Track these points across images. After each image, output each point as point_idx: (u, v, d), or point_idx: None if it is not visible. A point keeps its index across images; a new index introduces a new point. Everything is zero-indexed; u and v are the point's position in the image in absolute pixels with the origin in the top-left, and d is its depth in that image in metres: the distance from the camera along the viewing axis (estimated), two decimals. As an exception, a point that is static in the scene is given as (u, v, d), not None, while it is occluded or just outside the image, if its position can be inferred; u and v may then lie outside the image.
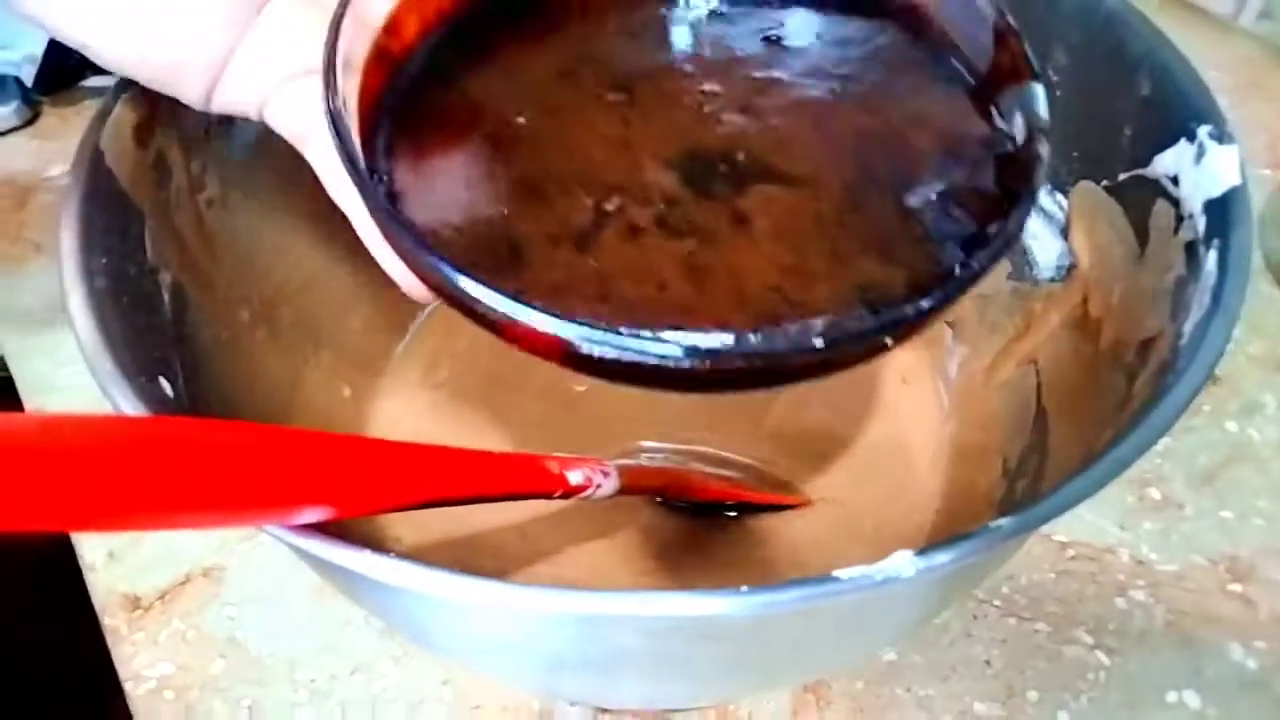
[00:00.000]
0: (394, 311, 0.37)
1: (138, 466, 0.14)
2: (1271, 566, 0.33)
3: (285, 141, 0.31)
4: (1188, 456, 0.35)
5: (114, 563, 0.34)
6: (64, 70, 0.51)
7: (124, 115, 0.25)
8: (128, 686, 0.31)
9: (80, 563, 0.34)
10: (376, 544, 0.31)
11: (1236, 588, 0.32)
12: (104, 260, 0.23)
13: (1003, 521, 0.16)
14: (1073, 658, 0.31)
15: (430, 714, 0.30)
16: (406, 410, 0.35)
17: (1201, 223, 0.22)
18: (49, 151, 0.49)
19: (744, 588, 0.15)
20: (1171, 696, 0.30)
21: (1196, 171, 0.23)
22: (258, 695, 0.31)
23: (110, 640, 0.32)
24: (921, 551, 0.16)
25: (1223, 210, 0.22)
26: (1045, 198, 0.30)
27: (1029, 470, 0.27)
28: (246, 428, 0.17)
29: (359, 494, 0.19)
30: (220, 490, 0.16)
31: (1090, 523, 0.34)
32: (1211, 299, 0.20)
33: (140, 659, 0.31)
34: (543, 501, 0.32)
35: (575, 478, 0.25)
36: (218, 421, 0.17)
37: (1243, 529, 0.34)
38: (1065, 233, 0.29)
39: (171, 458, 0.15)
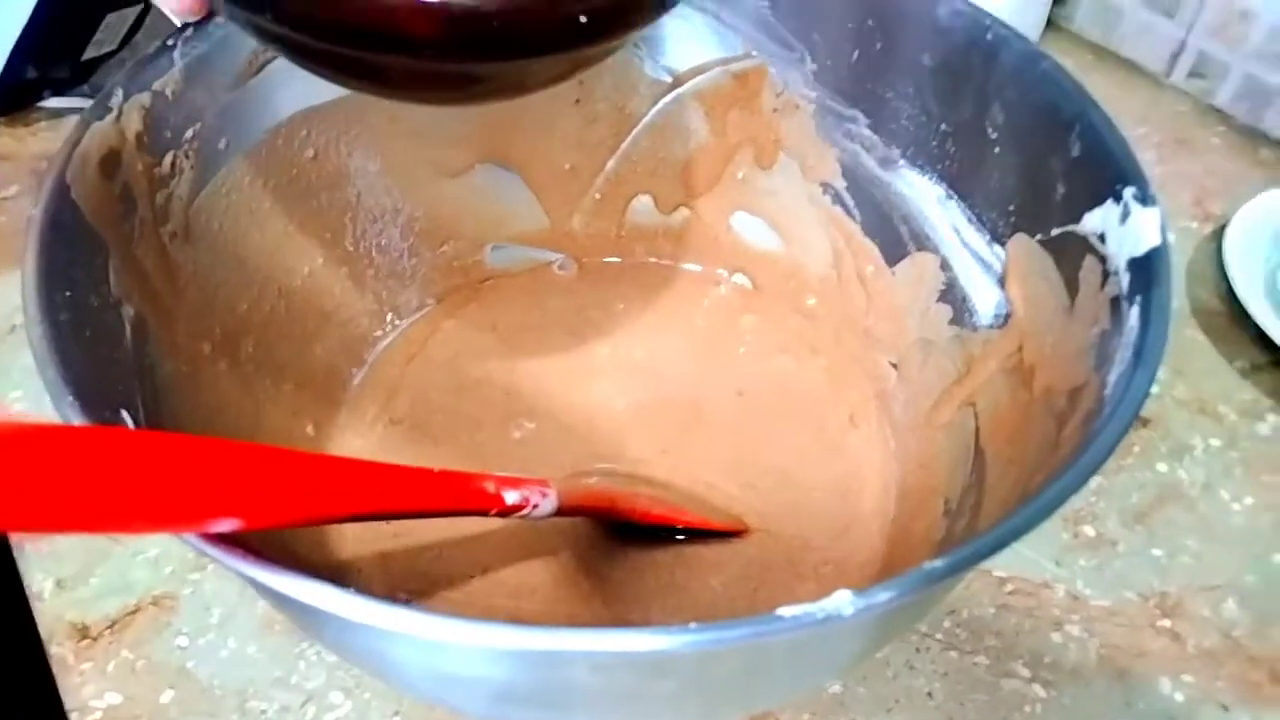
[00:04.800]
0: (352, 342, 0.37)
1: (38, 470, 0.14)
2: (1199, 603, 0.34)
3: (249, 175, 0.32)
4: (1120, 495, 0.37)
5: (62, 591, 0.33)
6: (20, 90, 0.51)
7: (91, 147, 0.26)
8: (73, 718, 0.31)
9: (27, 591, 0.34)
10: (335, 571, 0.31)
11: (1166, 623, 0.33)
12: (67, 293, 0.23)
13: (937, 563, 0.17)
14: (1011, 690, 0.32)
15: (381, 745, 0.30)
16: (365, 445, 0.35)
17: (1125, 279, 0.23)
18: (3, 171, 0.49)
19: (692, 625, 0.16)
20: (1104, 728, 0.31)
21: (1122, 231, 0.24)
22: (207, 727, 0.31)
23: (56, 670, 0.32)
24: (860, 591, 0.17)
25: (1145, 269, 0.23)
26: (985, 248, 0.31)
27: (967, 510, 0.28)
28: (153, 436, 0.17)
29: (275, 505, 0.19)
30: (124, 497, 0.16)
31: (1028, 559, 0.35)
32: (1133, 353, 0.21)
33: (88, 689, 0.31)
34: (500, 528, 0.32)
35: (511, 497, 0.25)
36: (122, 429, 0.17)
37: (1172, 566, 0.35)
38: (1003, 283, 0.30)
39: (73, 462, 0.15)
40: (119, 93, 0.27)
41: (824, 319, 0.39)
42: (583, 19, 0.23)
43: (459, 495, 0.24)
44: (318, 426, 0.35)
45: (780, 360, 0.38)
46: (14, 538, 0.35)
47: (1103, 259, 0.25)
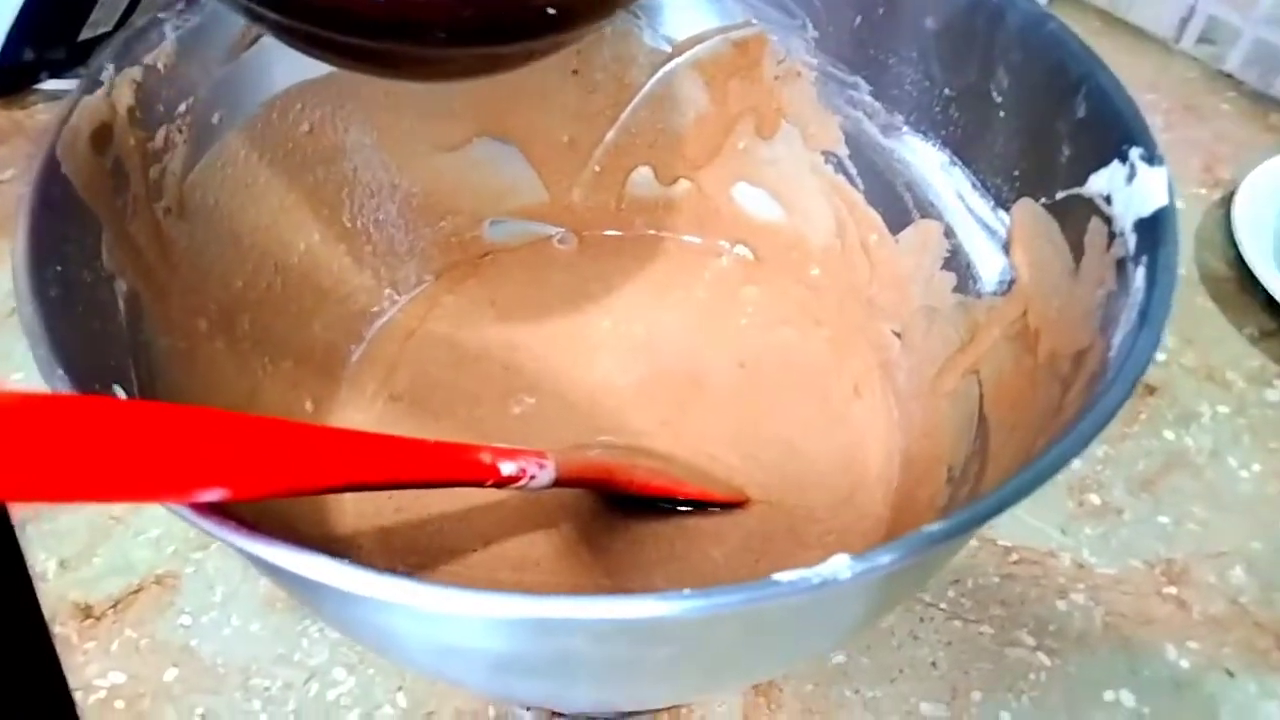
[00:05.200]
0: (351, 318, 0.37)
1: (18, 437, 0.14)
2: (1205, 570, 0.34)
3: (244, 149, 0.32)
4: (1127, 463, 0.37)
5: (65, 571, 0.34)
6: (17, 72, 0.50)
7: (82, 123, 0.25)
8: (77, 696, 0.31)
9: (30, 572, 0.34)
10: (334, 547, 0.31)
11: (1171, 590, 0.33)
12: (59, 268, 0.23)
13: (935, 526, 0.17)
14: (1015, 659, 0.32)
15: (385, 720, 0.30)
16: (365, 421, 0.35)
17: (1132, 240, 0.23)
18: (0, 154, 0.48)
19: (687, 590, 0.16)
20: (1109, 695, 0.31)
21: (1128, 192, 0.24)
22: (211, 703, 0.31)
23: (60, 649, 0.32)
24: (858, 555, 0.17)
25: (1151, 229, 0.23)
26: (989, 214, 0.31)
27: (970, 476, 0.28)
28: (136, 405, 0.17)
29: (264, 474, 0.19)
30: (108, 465, 0.16)
31: (1033, 527, 0.35)
32: (1139, 314, 0.21)
33: (91, 668, 0.31)
34: (501, 502, 0.32)
35: (508, 468, 0.25)
36: (103, 398, 0.16)
37: (1178, 534, 0.35)
38: (1007, 248, 0.30)
39: (54, 430, 0.15)
40: (109, 67, 0.26)
41: (827, 289, 0.39)
42: (551, 10, 0.22)
43: (454, 466, 0.24)
44: (317, 403, 0.35)
45: (783, 331, 0.38)
46: (13, 516, 0.35)
47: (1108, 220, 0.24)
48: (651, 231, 0.42)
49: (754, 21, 0.36)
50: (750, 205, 0.40)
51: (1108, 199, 0.25)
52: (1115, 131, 0.25)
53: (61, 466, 0.15)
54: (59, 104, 0.26)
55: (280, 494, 0.19)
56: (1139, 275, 0.22)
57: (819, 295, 0.39)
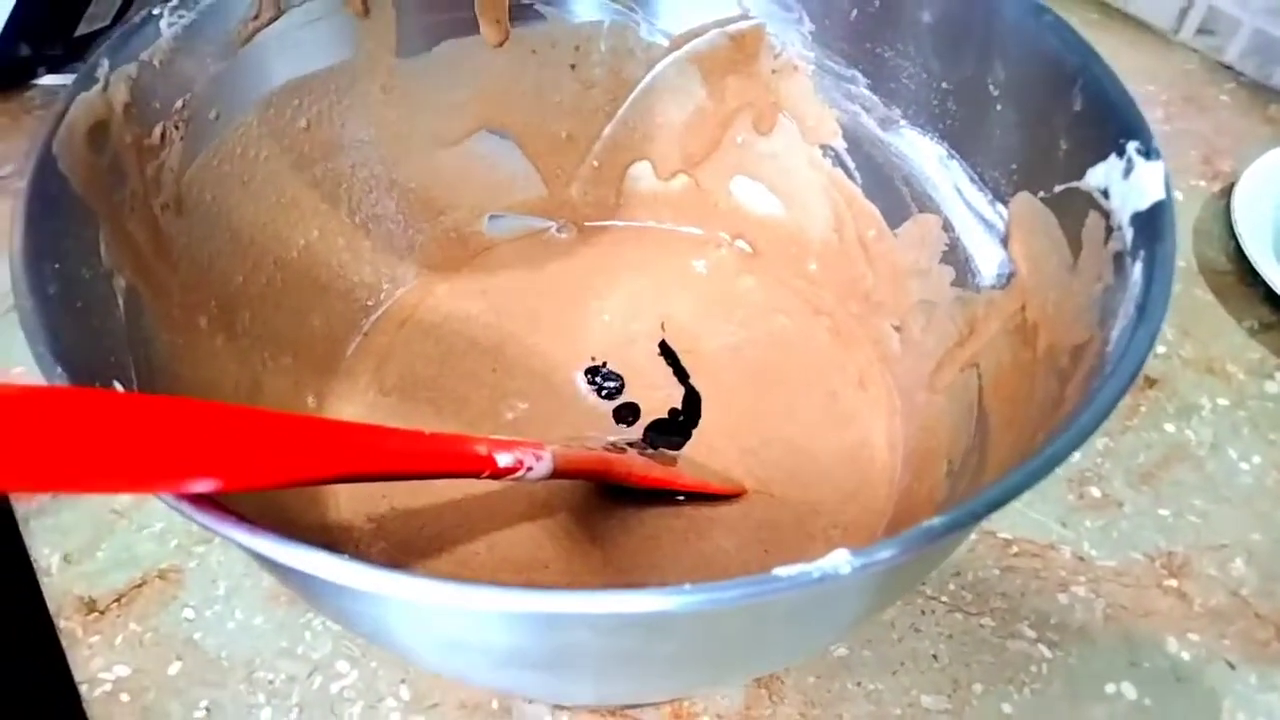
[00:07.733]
0: (351, 313, 0.37)
1: (12, 430, 0.14)
2: (1205, 562, 0.34)
3: (241, 145, 0.32)
4: (1127, 456, 0.37)
5: (69, 566, 0.34)
6: (14, 69, 0.50)
7: (78, 119, 0.25)
8: (83, 689, 0.31)
9: (35, 566, 0.34)
10: (334, 539, 0.31)
11: (1172, 583, 0.33)
12: (56, 265, 0.23)
13: (935, 521, 0.17)
14: (1016, 651, 0.32)
15: (388, 713, 0.30)
16: (356, 414, 0.35)
17: (1129, 234, 0.23)
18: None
19: (687, 585, 0.16)
20: (1110, 688, 0.31)
21: (1125, 186, 0.24)
22: (215, 696, 0.31)
23: (66, 643, 0.32)
24: (858, 550, 0.17)
25: (1149, 223, 0.23)
26: (987, 208, 0.31)
27: (969, 471, 0.28)
28: (126, 397, 0.17)
29: (255, 465, 0.18)
30: (97, 456, 0.16)
31: (1034, 520, 0.35)
32: (1136, 308, 0.21)
33: (96, 662, 0.31)
34: (503, 501, 0.32)
35: (504, 460, 0.25)
36: (98, 390, 0.16)
37: (1179, 526, 0.35)
38: (1006, 242, 0.30)
39: (50, 422, 0.15)
40: (104, 63, 0.26)
41: (825, 284, 0.38)
42: None
43: (450, 457, 0.24)
44: (319, 398, 0.35)
45: (783, 323, 0.38)
46: (16, 512, 0.35)
47: (1106, 214, 0.24)
48: (650, 224, 0.41)
49: (750, 14, 0.36)
50: (748, 200, 0.40)
51: (1105, 193, 0.25)
52: (1112, 125, 0.25)
53: (52, 457, 0.15)
54: (56, 99, 0.26)
55: (273, 485, 0.19)
56: (1136, 270, 0.22)
57: (818, 289, 0.39)
